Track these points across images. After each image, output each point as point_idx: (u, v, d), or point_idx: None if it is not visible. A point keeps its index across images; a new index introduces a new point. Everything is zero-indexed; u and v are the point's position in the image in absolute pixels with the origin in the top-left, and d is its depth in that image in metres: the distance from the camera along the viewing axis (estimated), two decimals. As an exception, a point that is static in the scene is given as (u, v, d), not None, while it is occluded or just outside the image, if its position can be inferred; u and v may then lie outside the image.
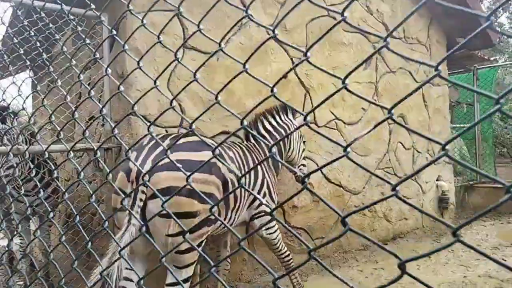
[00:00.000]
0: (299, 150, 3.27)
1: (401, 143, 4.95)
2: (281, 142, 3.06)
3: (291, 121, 3.19)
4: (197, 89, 3.24)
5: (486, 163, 6.64)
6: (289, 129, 3.11)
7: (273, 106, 3.19)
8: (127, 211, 1.79)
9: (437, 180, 5.42)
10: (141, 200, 1.86)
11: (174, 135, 2.27)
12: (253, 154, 2.79)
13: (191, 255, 2.02)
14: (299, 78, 3.91)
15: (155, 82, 1.14)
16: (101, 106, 1.34)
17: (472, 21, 5.31)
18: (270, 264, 3.47)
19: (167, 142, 2.09)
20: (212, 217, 1.88)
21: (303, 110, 3.94)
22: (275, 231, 2.84)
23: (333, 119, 4.18)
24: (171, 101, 1.11)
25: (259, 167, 2.70)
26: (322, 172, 4.04)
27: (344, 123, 4.27)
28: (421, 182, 5.17)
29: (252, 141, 2.99)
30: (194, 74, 0.97)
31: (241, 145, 2.83)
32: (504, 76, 10.03)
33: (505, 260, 3.86)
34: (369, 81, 4.57)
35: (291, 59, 3.86)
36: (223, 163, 1.16)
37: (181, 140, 2.06)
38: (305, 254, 2.66)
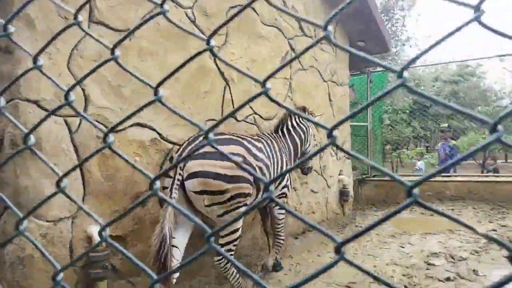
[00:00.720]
0: (313, 146, 3.98)
1: (310, 139, 5.07)
2: (302, 137, 3.75)
3: (308, 122, 3.87)
4: (105, 72, 2.76)
5: (376, 159, 7.33)
6: (306, 128, 3.82)
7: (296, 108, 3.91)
8: (169, 188, 2.41)
9: (339, 174, 5.73)
10: (178, 180, 2.42)
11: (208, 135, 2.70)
12: (279, 144, 3.40)
13: (229, 217, 2.56)
14: (219, 69, 3.66)
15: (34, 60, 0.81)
16: None
17: (369, 27, 5.73)
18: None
19: (201, 138, 2.58)
20: (243, 191, 2.60)
21: (222, 103, 3.70)
22: (283, 213, 3.45)
23: (252, 114, 4.04)
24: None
25: (284, 156, 3.32)
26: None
27: (262, 118, 4.17)
28: (326, 176, 5.40)
29: (279, 133, 3.65)
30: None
31: (269, 136, 3.42)
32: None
33: (403, 248, 4.23)
34: (284, 77, 4.56)
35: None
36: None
37: (215, 137, 2.48)
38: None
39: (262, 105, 4.16)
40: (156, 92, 0.63)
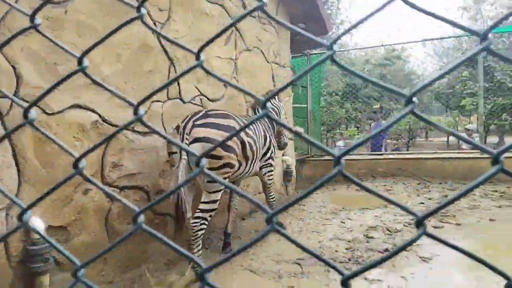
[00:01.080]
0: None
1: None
2: (276, 117, 4.16)
3: (280, 103, 4.27)
4: (38, 48, 2.48)
5: (315, 138, 7.59)
6: (278, 109, 4.21)
7: (268, 91, 4.36)
8: (179, 152, 2.93)
9: (282, 155, 5.85)
10: (186, 144, 2.88)
11: (210, 109, 3.25)
12: (262, 123, 3.83)
13: (215, 186, 3.02)
14: (163, 47, 3.49)
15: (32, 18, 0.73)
16: None
17: (310, 8, 5.82)
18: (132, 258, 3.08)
19: (203, 112, 3.10)
20: (232, 162, 3.07)
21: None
22: (272, 177, 4.05)
23: (198, 95, 3.93)
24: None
25: (267, 132, 3.81)
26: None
27: (208, 99, 4.08)
28: (270, 157, 5.48)
29: (257, 112, 4.00)
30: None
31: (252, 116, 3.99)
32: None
33: (344, 223, 4.47)
34: (230, 57, 4.48)
35: (154, 23, 3.40)
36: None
37: (214, 112, 3.16)
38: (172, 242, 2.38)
39: (209, 85, 4.07)
40: (198, 57, 0.61)
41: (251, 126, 3.46)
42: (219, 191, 3.07)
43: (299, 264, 3.27)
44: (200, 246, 3.02)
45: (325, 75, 11.64)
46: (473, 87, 11.84)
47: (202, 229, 2.99)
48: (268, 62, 5.35)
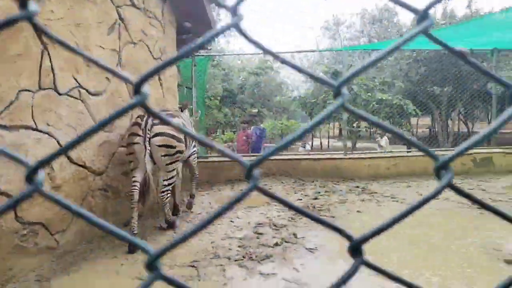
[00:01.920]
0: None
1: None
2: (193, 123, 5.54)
3: (186, 115, 5.16)
4: None
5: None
6: (187, 121, 4.95)
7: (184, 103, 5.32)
8: (142, 143, 3.71)
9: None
10: (147, 137, 3.71)
11: (161, 110, 4.24)
12: (187, 121, 4.94)
13: (172, 166, 3.99)
14: (35, 28, 2.98)
15: None
16: None
17: (196, 8, 5.78)
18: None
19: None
20: (182, 149, 4.04)
21: (40, 71, 3.04)
22: (196, 160, 5.27)
23: (77, 87, 3.48)
24: None
25: (192, 129, 5.18)
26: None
27: (89, 92, 3.64)
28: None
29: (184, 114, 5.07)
30: None
31: (182, 116, 4.76)
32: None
33: (233, 222, 4.51)
34: (113, 49, 4.10)
35: (24, -1, 2.89)
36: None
37: (165, 112, 4.11)
38: (44, 254, 2.15)
39: (89, 77, 3.65)
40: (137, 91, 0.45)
41: (185, 122, 4.63)
42: (174, 169, 4.06)
43: (194, 267, 3.15)
44: (168, 206, 4.17)
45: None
46: (335, 97, 13.36)
47: (168, 196, 4.06)
48: (154, 58, 5.08)
